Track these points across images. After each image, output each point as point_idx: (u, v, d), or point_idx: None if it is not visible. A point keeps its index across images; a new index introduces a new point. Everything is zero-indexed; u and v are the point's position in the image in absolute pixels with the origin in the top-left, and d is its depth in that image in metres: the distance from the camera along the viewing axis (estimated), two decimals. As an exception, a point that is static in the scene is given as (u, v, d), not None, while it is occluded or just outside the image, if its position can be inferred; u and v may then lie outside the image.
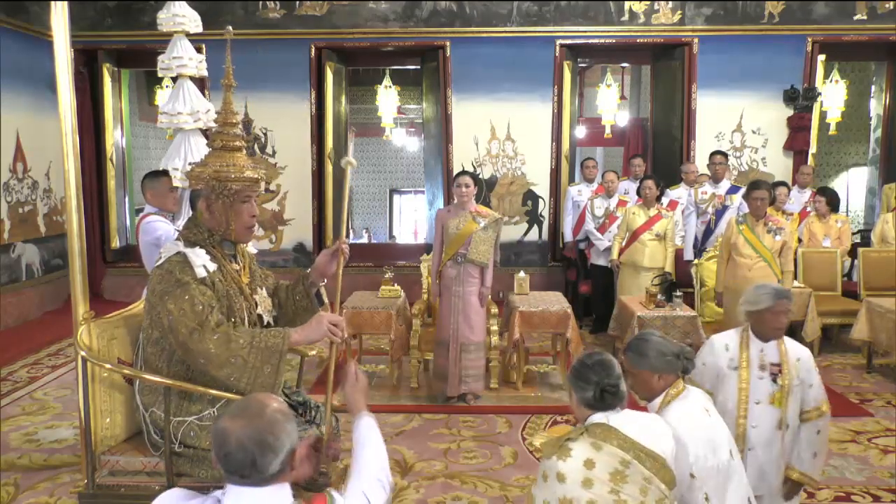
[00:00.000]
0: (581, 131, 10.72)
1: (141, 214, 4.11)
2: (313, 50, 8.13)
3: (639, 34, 8.10)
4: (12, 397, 5.21)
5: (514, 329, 5.14)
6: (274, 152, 8.35)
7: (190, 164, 3.61)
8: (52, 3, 2.56)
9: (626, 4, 8.05)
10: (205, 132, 4.39)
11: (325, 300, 2.85)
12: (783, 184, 6.90)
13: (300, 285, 2.75)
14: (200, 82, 5.48)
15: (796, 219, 6.93)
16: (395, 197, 16.57)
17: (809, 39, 8.01)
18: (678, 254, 6.43)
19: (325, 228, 8.45)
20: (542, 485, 2.11)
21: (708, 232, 6.73)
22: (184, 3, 4.28)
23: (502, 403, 5.05)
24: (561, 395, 5.16)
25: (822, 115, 8.35)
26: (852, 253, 7.07)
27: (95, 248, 8.21)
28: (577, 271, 7.38)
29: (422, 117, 9.20)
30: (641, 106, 11.84)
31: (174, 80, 4.40)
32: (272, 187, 8.33)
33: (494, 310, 5.40)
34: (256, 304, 2.61)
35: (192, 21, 4.29)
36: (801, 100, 8.04)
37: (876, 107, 9.31)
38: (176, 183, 4.10)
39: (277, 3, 8.07)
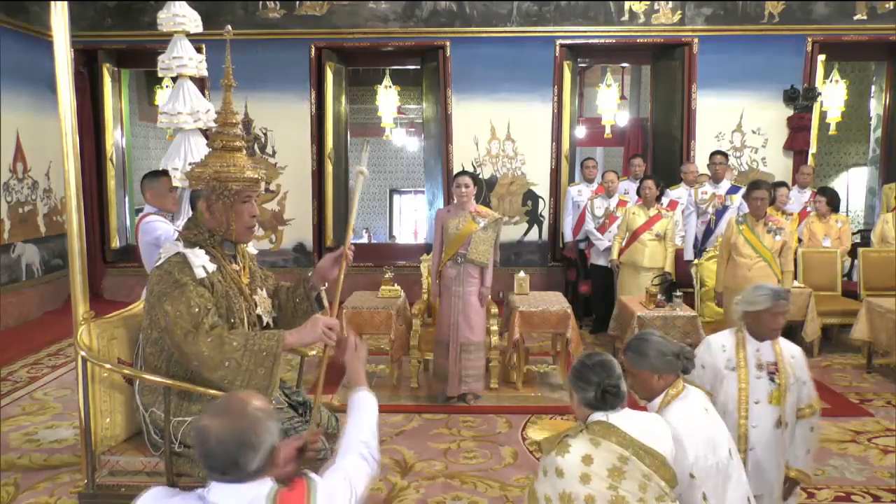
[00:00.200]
0: (581, 131, 10.73)
1: (141, 214, 4.11)
2: (313, 50, 8.13)
3: (639, 34, 8.10)
4: (12, 397, 5.21)
5: (514, 329, 5.14)
6: (274, 152, 8.35)
7: (190, 164, 3.60)
8: (52, 3, 2.56)
9: (626, 4, 8.05)
10: (205, 132, 4.38)
11: (326, 304, 2.85)
12: (783, 184, 6.90)
13: (300, 288, 2.74)
14: (200, 82, 5.48)
15: (796, 219, 6.93)
16: (395, 197, 16.58)
17: (809, 39, 8.01)
18: (678, 254, 6.43)
19: (325, 228, 8.45)
20: (543, 479, 2.14)
21: (708, 232, 6.73)
22: (184, 3, 4.28)
23: (502, 403, 5.05)
24: (561, 395, 5.16)
25: (822, 115, 8.35)
26: (852, 253, 7.07)
27: (95, 248, 8.21)
28: (577, 271, 7.38)
29: (422, 117, 9.20)
30: (641, 106, 11.85)
31: (174, 80, 4.39)
32: (272, 187, 8.33)
33: (494, 310, 5.40)
34: (256, 304, 2.61)
35: (192, 21, 4.29)
36: (801, 100, 8.04)
37: (876, 107, 9.31)
38: (176, 183, 4.10)
39: (277, 3, 8.07)
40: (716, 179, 6.84)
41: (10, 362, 6.03)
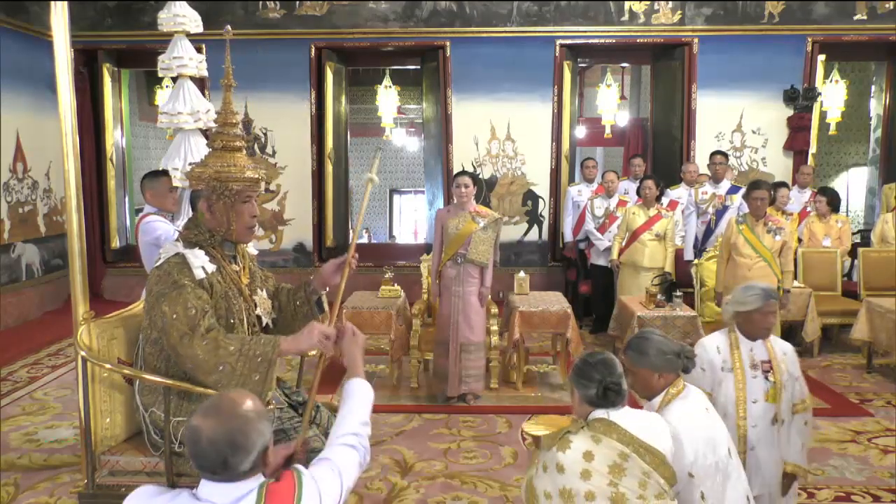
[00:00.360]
0: (581, 131, 10.73)
1: (141, 214, 4.11)
2: (313, 50, 8.13)
3: (639, 34, 8.10)
4: (12, 397, 5.21)
5: (514, 329, 5.14)
6: (274, 152, 8.35)
7: (190, 164, 3.60)
8: (52, 3, 2.56)
9: (626, 4, 8.05)
10: (205, 132, 4.39)
11: (326, 308, 2.84)
12: (784, 185, 6.90)
13: (301, 291, 2.74)
14: (200, 82, 5.48)
15: (796, 219, 6.93)
16: (395, 197, 16.59)
17: (809, 39, 8.01)
18: (678, 254, 6.43)
19: (325, 228, 8.45)
20: (543, 475, 2.15)
21: (708, 232, 6.73)
22: (184, 3, 4.28)
23: (502, 403, 5.05)
24: (561, 395, 5.16)
25: (822, 115, 8.35)
26: (852, 253, 7.07)
27: (95, 248, 8.21)
28: (577, 271, 7.38)
29: (422, 117, 9.20)
30: (641, 106, 11.84)
31: (174, 80, 4.40)
32: (272, 187, 8.33)
33: (494, 310, 5.40)
34: (256, 304, 2.61)
35: (192, 21, 4.29)
36: (801, 100, 8.04)
37: (876, 107, 9.31)
38: (176, 183, 4.10)
39: (277, 3, 8.07)
40: (716, 179, 6.84)
41: (10, 362, 6.03)
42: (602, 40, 8.15)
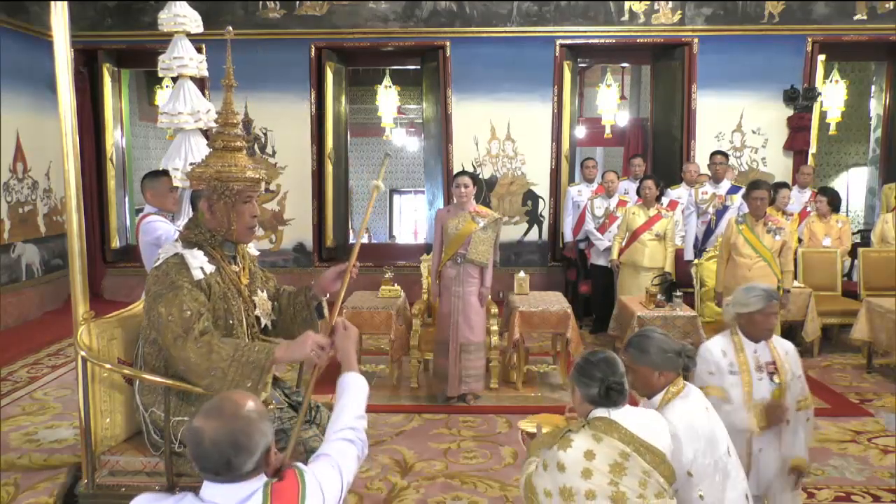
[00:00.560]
0: (581, 131, 10.73)
1: (141, 214, 4.10)
2: (313, 50, 8.13)
3: (639, 34, 8.10)
4: (12, 397, 5.21)
5: (514, 329, 5.14)
6: (274, 152, 8.35)
7: (190, 164, 3.61)
8: (52, 3, 2.56)
9: (626, 4, 8.05)
10: (205, 132, 4.39)
11: (326, 313, 2.83)
12: (785, 185, 6.89)
13: (302, 296, 2.73)
14: (201, 82, 5.48)
15: (796, 219, 6.93)
16: (395, 197, 16.58)
17: (809, 39, 8.01)
18: (678, 254, 6.43)
19: (325, 228, 8.45)
20: (543, 474, 2.15)
21: (708, 232, 6.73)
22: (184, 3, 4.28)
23: (502, 403, 5.05)
24: (561, 395, 5.16)
25: (822, 115, 8.35)
26: (852, 253, 7.07)
27: (95, 248, 8.21)
28: (577, 271, 7.38)
29: (422, 117, 9.20)
30: (641, 106, 11.85)
31: (174, 80, 4.39)
32: (272, 187, 8.33)
33: (494, 310, 5.40)
34: (255, 305, 2.61)
35: (192, 21, 4.29)
36: (801, 100, 8.04)
37: (876, 107, 9.31)
38: (176, 183, 4.09)
39: (277, 3, 8.07)
40: (716, 179, 6.84)
41: (10, 362, 6.03)
42: (602, 40, 8.15)
